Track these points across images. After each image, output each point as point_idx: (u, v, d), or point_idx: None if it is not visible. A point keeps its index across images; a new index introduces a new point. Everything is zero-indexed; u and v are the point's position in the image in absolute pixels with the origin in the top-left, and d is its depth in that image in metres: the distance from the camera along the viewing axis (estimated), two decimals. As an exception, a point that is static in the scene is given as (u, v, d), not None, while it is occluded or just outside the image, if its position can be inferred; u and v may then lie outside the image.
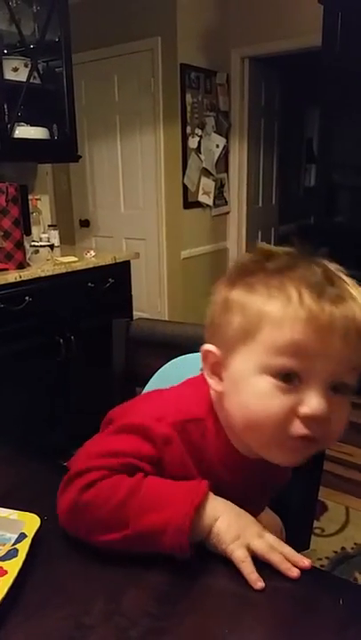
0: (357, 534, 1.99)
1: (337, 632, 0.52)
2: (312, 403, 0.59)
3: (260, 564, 0.59)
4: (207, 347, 0.68)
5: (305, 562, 0.60)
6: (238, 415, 0.64)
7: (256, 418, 0.62)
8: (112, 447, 0.66)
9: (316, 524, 2.01)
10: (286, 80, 4.48)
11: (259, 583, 0.57)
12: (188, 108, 3.62)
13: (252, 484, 0.73)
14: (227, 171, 4.08)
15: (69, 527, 0.65)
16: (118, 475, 0.63)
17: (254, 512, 0.71)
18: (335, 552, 1.89)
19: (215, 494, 0.65)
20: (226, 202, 4.11)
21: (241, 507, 0.66)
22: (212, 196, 3.92)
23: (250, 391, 0.62)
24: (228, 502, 0.65)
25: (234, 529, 0.61)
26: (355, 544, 1.94)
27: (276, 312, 0.60)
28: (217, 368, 0.67)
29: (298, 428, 0.60)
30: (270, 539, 0.61)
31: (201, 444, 0.68)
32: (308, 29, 3.20)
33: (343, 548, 1.91)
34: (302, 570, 0.59)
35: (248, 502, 0.68)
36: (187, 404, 0.70)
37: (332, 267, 0.65)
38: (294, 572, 0.58)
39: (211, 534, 0.61)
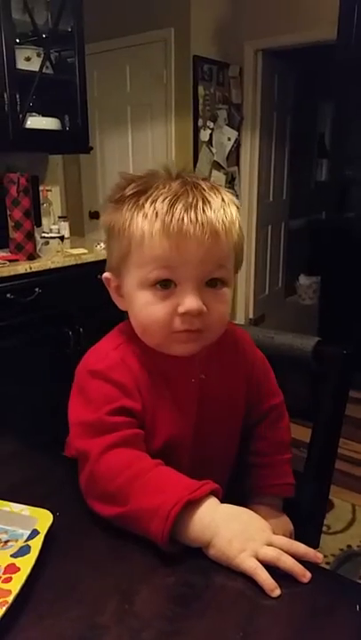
0: (364, 532, 1.98)
1: (353, 638, 0.52)
2: (186, 302, 0.69)
3: (272, 569, 0.57)
4: (105, 274, 0.78)
5: (318, 557, 0.60)
6: (136, 324, 0.75)
7: (145, 323, 0.73)
8: (89, 414, 0.71)
9: (322, 521, 2.00)
10: (299, 74, 4.44)
11: (276, 591, 0.56)
12: (201, 101, 3.59)
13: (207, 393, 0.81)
14: (238, 164, 4.06)
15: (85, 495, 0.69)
16: (127, 447, 0.68)
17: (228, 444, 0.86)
18: (341, 550, 1.89)
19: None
20: (237, 195, 4.08)
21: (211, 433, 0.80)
22: (222, 189, 3.89)
23: (137, 304, 0.73)
24: (234, 510, 0.64)
25: (237, 543, 0.59)
26: (361, 542, 1.93)
27: (137, 230, 0.69)
28: (119, 290, 0.77)
29: (178, 324, 0.70)
30: (280, 542, 0.60)
31: (136, 362, 0.75)
32: (322, 22, 3.15)
33: (349, 546, 1.91)
34: (317, 571, 0.58)
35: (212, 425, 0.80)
36: (101, 345, 0.79)
37: (194, 177, 0.72)
38: (306, 579, 0.57)
39: (210, 548, 0.61)
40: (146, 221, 0.68)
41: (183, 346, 0.73)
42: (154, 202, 0.68)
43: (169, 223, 0.67)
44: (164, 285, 0.70)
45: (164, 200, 0.68)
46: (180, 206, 0.67)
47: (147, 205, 0.68)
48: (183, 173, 0.73)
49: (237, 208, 0.74)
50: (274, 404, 0.92)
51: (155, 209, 0.68)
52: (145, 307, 0.71)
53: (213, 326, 0.73)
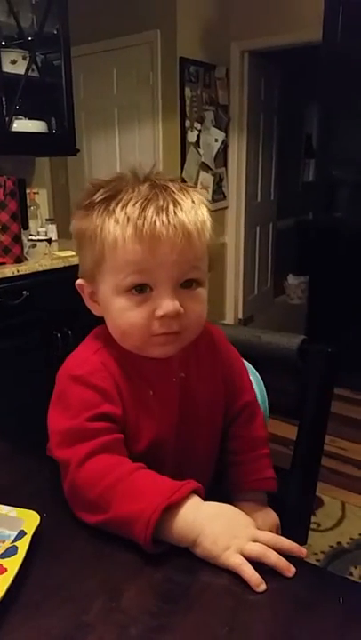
0: (353, 529, 2.00)
1: (337, 631, 0.52)
2: (163, 305, 0.69)
3: (257, 564, 0.58)
4: (78, 282, 0.78)
5: (302, 551, 0.61)
6: (113, 329, 0.75)
7: (123, 328, 0.73)
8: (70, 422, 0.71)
9: (312, 518, 2.01)
10: (286, 75, 4.46)
11: (262, 586, 0.56)
12: (187, 102, 3.60)
13: (186, 391, 0.81)
14: (225, 165, 4.07)
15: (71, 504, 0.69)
16: (107, 454, 0.68)
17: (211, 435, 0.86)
18: (331, 547, 1.90)
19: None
20: (224, 197, 4.10)
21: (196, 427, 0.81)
22: (210, 190, 3.91)
23: (114, 310, 0.73)
24: (217, 509, 0.65)
25: (222, 540, 0.60)
26: (350, 539, 1.94)
27: (109, 236, 0.69)
28: (93, 296, 0.77)
29: (157, 327, 0.71)
30: (265, 537, 0.61)
31: (115, 366, 0.76)
32: (308, 23, 3.18)
33: (339, 543, 1.92)
34: (302, 565, 0.59)
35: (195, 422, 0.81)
36: (80, 350, 0.80)
37: (162, 179, 0.72)
38: (290, 573, 0.58)
39: (196, 547, 0.61)
40: (118, 227, 0.68)
41: (162, 348, 0.74)
42: (124, 206, 0.68)
43: (141, 227, 0.67)
44: (140, 290, 0.70)
45: (134, 204, 0.68)
46: (151, 209, 0.67)
47: (117, 210, 0.68)
48: (151, 176, 0.73)
49: (208, 208, 0.74)
50: (248, 401, 0.93)
51: (126, 214, 0.68)
52: (122, 312, 0.72)
53: (191, 327, 0.74)
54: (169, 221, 0.67)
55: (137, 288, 0.70)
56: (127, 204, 0.68)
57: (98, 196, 0.71)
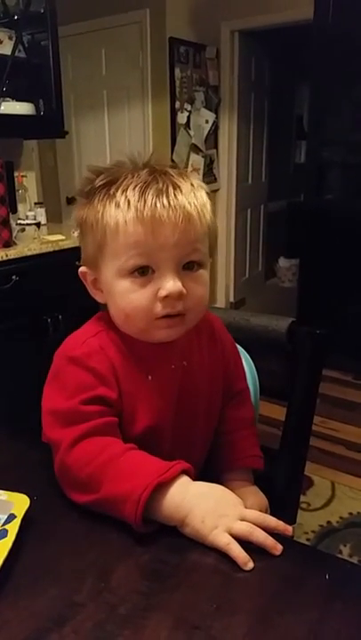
0: (343, 508, 2.03)
1: (323, 606, 0.53)
2: (166, 285, 0.70)
3: (245, 543, 0.59)
4: (81, 269, 0.78)
5: (288, 529, 0.62)
6: (116, 314, 0.75)
7: (127, 311, 0.72)
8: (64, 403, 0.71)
9: (302, 498, 2.04)
10: (277, 55, 4.41)
11: (249, 564, 0.57)
12: (177, 83, 3.56)
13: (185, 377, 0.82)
14: (216, 147, 4.04)
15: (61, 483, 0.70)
16: (99, 436, 0.69)
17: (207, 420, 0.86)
18: (321, 526, 1.93)
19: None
20: (215, 179, 4.08)
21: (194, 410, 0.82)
22: (201, 172, 3.88)
23: (117, 293, 0.73)
24: (206, 488, 0.65)
25: (210, 520, 0.61)
26: (340, 518, 1.97)
27: (110, 220, 0.70)
28: (96, 284, 0.77)
29: (160, 309, 0.71)
30: (252, 516, 0.62)
31: (114, 350, 0.76)
32: (299, 2, 3.14)
33: (329, 522, 1.95)
34: (289, 544, 0.60)
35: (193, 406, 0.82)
36: (80, 332, 0.79)
37: (161, 165, 0.73)
38: (277, 551, 0.59)
39: (184, 527, 0.62)
40: (119, 210, 0.69)
41: (165, 331, 0.73)
42: (125, 191, 0.69)
43: (142, 210, 0.67)
44: (142, 272, 0.70)
45: (134, 188, 0.68)
46: (151, 192, 0.68)
47: (118, 194, 0.69)
48: (150, 162, 0.74)
49: (207, 193, 0.74)
50: (242, 388, 0.95)
51: (126, 197, 0.68)
52: (125, 295, 0.72)
53: (194, 309, 0.74)
54: (169, 203, 0.68)
55: (139, 270, 0.70)
56: (127, 188, 0.69)
57: (98, 182, 0.72)
